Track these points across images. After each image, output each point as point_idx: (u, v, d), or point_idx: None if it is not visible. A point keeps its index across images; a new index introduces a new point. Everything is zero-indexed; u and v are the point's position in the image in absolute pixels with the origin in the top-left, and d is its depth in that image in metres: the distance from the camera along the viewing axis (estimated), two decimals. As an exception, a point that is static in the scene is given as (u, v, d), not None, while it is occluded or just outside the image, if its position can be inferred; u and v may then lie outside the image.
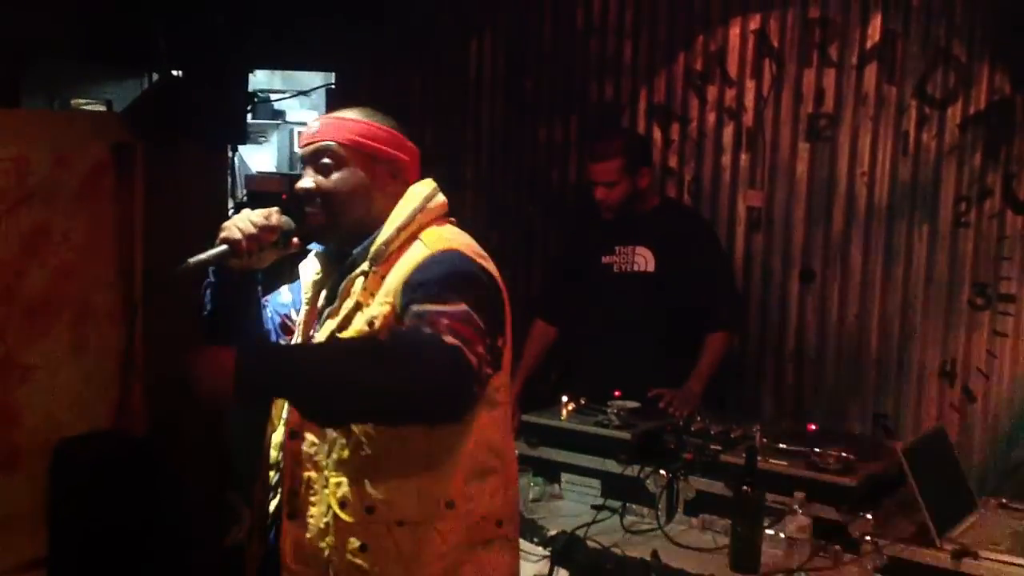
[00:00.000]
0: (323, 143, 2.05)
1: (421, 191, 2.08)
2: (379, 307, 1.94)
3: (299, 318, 2.14)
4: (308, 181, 2.05)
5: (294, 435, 2.03)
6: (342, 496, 1.96)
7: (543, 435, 3.12)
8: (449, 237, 2.03)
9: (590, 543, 2.61)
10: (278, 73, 6.46)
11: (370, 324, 1.93)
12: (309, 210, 2.05)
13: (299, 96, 5.94)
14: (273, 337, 2.17)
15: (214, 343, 1.82)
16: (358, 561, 1.95)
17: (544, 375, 3.95)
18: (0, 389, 3.22)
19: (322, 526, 1.98)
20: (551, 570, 2.51)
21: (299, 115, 6.88)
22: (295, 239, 2.04)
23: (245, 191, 5.31)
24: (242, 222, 1.97)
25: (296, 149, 2.14)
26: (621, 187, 3.62)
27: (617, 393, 3.20)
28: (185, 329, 2.59)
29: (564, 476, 3.07)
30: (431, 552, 1.95)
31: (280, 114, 6.83)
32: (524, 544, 2.49)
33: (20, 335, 3.26)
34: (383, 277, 1.97)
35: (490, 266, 2.00)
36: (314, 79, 5.62)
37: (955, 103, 3.70)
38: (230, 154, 4.82)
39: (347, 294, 2.00)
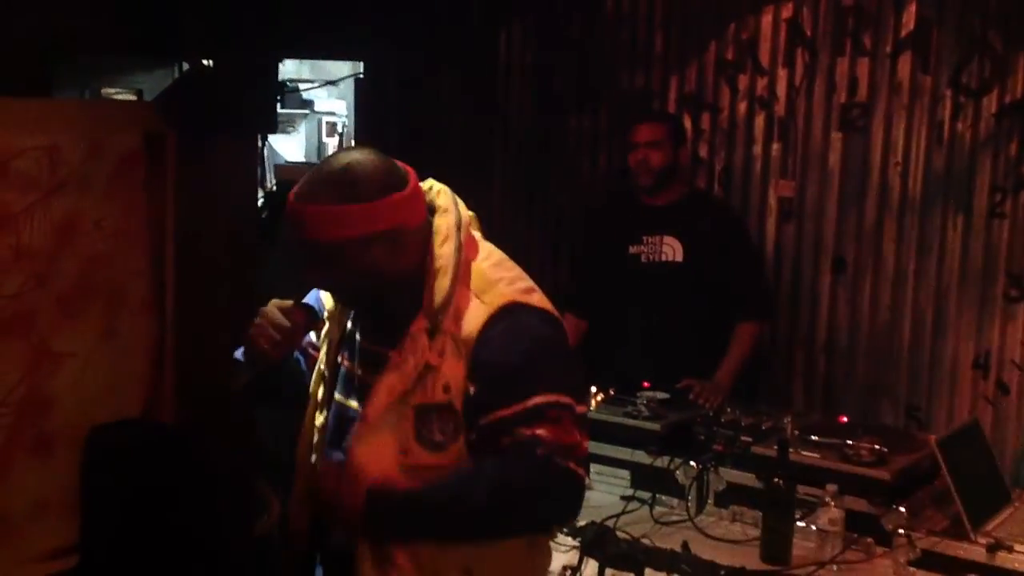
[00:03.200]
0: (308, 240, 1.88)
1: (447, 219, 1.93)
2: (452, 373, 1.90)
3: (325, 347, 2.11)
4: (314, 275, 1.98)
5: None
6: (434, 565, 1.92)
7: (572, 426, 3.09)
8: (496, 279, 1.94)
9: (620, 534, 2.60)
10: (306, 62, 6.47)
11: (446, 390, 1.90)
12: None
13: (327, 85, 5.95)
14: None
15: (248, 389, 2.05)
16: None
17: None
18: (32, 376, 3.24)
19: None
20: (580, 561, 2.50)
21: (327, 104, 6.91)
22: (325, 317, 2.08)
23: (274, 180, 5.34)
24: (267, 332, 1.99)
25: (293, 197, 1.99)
26: (665, 150, 3.62)
27: (646, 384, 3.19)
28: (215, 318, 2.60)
29: (593, 467, 3.04)
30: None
31: (308, 103, 6.86)
32: (554, 534, 2.48)
33: (52, 324, 3.27)
34: (446, 332, 1.90)
35: (546, 303, 1.99)
36: (342, 68, 5.63)
37: (990, 92, 3.66)
38: (260, 143, 4.83)
39: (414, 353, 1.91)
